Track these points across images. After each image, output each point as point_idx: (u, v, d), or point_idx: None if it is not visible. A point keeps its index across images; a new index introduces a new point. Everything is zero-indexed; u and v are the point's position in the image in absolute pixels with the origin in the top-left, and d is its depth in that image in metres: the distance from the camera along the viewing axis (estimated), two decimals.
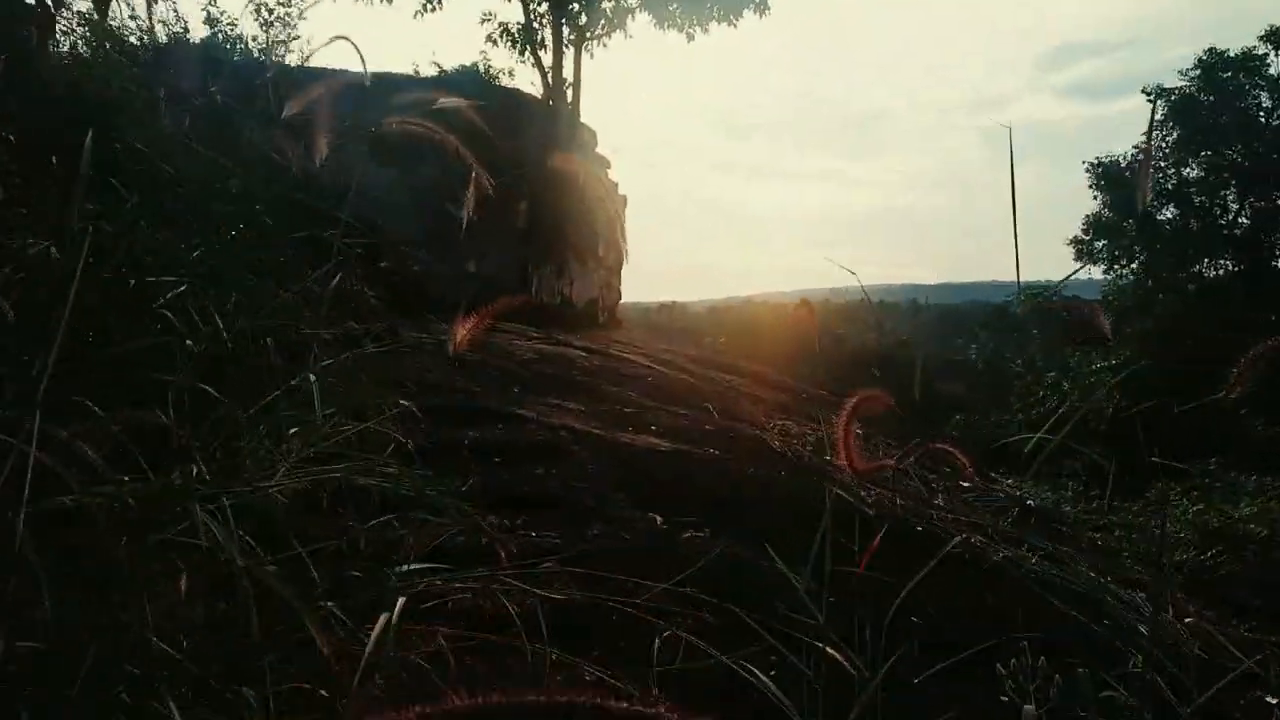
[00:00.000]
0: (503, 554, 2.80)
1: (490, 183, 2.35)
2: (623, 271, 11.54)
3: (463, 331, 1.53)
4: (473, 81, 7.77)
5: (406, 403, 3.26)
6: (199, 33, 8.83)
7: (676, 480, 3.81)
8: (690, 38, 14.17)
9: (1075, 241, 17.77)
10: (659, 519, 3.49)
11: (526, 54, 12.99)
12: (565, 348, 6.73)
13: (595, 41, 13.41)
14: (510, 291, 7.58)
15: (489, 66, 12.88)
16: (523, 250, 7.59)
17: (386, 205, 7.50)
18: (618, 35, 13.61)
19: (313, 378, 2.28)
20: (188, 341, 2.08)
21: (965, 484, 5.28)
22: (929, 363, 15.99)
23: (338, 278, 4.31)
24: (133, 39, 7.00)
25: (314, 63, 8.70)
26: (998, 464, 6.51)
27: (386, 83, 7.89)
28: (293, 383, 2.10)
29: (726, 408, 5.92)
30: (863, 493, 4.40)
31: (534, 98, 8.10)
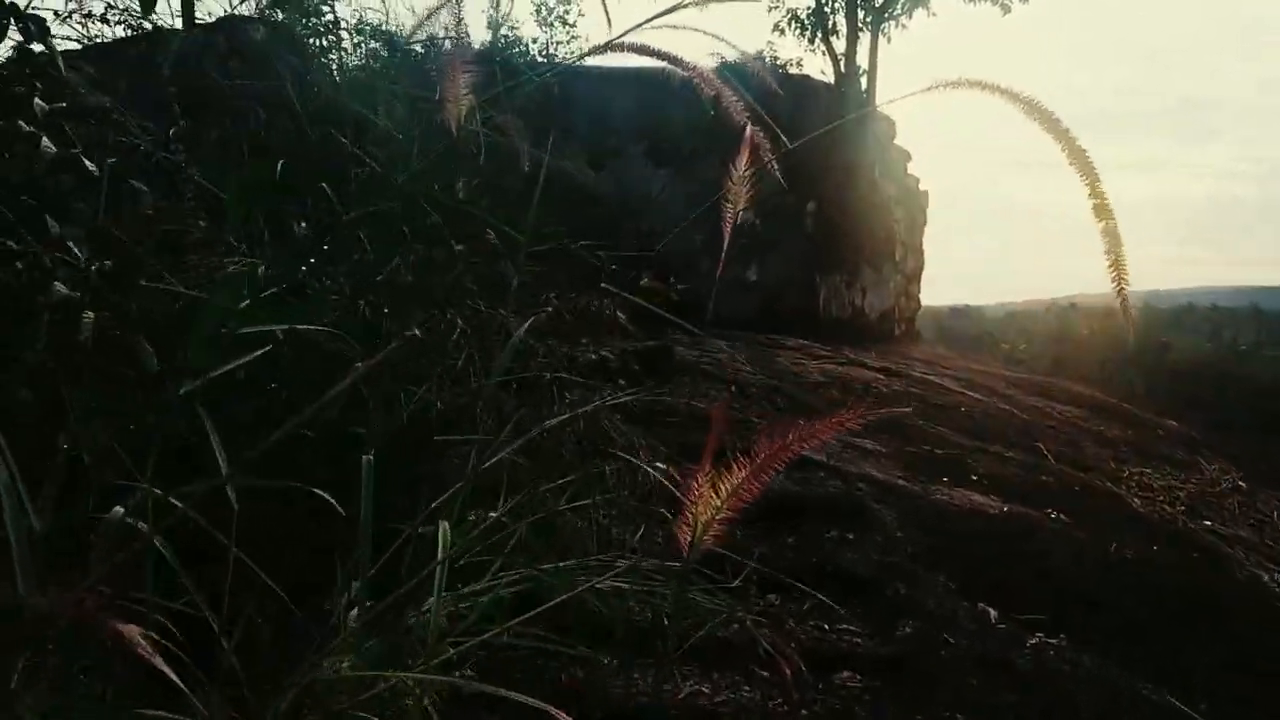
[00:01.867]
0: (784, 664, 2.19)
1: (779, 179, 1.78)
2: (922, 278, 10.55)
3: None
4: (758, 72, 7.27)
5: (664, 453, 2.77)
6: (482, 37, 9.07)
7: (1010, 557, 3.03)
8: (1006, 9, 12.85)
9: None
10: (992, 613, 2.74)
11: (817, 40, 12.36)
12: (858, 369, 6.02)
13: (894, 23, 12.50)
14: (795, 304, 6.98)
15: (774, 56, 12.39)
16: (810, 257, 6.96)
17: (662, 209, 7.17)
18: (919, 13, 12.62)
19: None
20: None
21: None
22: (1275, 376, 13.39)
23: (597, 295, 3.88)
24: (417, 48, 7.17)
25: (590, 61, 8.62)
26: None
27: (661, 78, 7.57)
28: (511, 447, 1.63)
29: (1063, 449, 4.95)
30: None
31: (824, 85, 7.46)
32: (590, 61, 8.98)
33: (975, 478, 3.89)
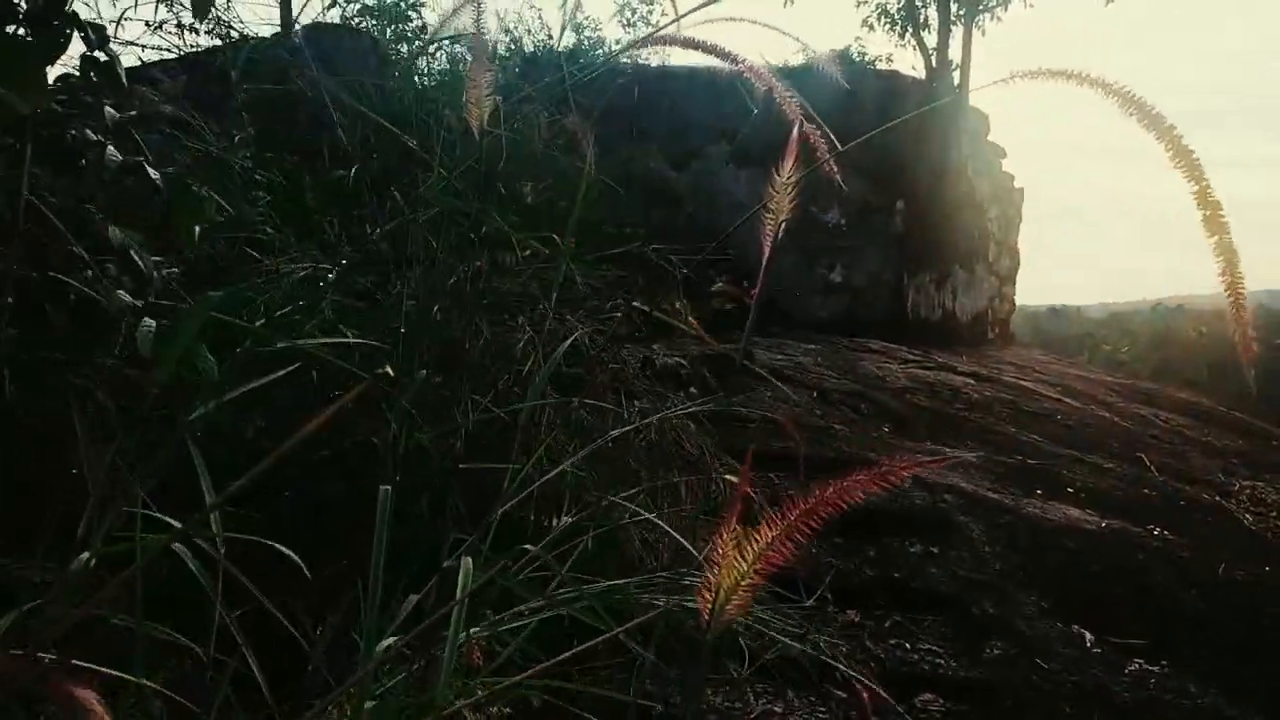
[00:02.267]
0: (861, 690, 2.10)
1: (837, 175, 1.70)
2: (1017, 279, 10.20)
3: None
4: (845, 71, 7.13)
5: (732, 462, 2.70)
6: (565, 39, 9.10)
7: (1108, 575, 2.88)
8: None
9: None
10: (1087, 635, 2.61)
11: (907, 35, 12.09)
12: (948, 373, 5.83)
13: (988, 15, 12.14)
14: (881, 306, 6.81)
15: (863, 53, 12.17)
16: (897, 257, 6.78)
17: (743, 209, 7.08)
18: (1015, 4, 12.22)
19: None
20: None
21: None
22: None
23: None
24: (502, 49, 7.23)
25: (674, 61, 8.58)
26: None
27: (742, 77, 7.48)
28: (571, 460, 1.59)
29: (1167, 460, 4.70)
30: None
31: (913, 80, 7.26)
32: (673, 61, 8.94)
33: (1071, 490, 3.72)
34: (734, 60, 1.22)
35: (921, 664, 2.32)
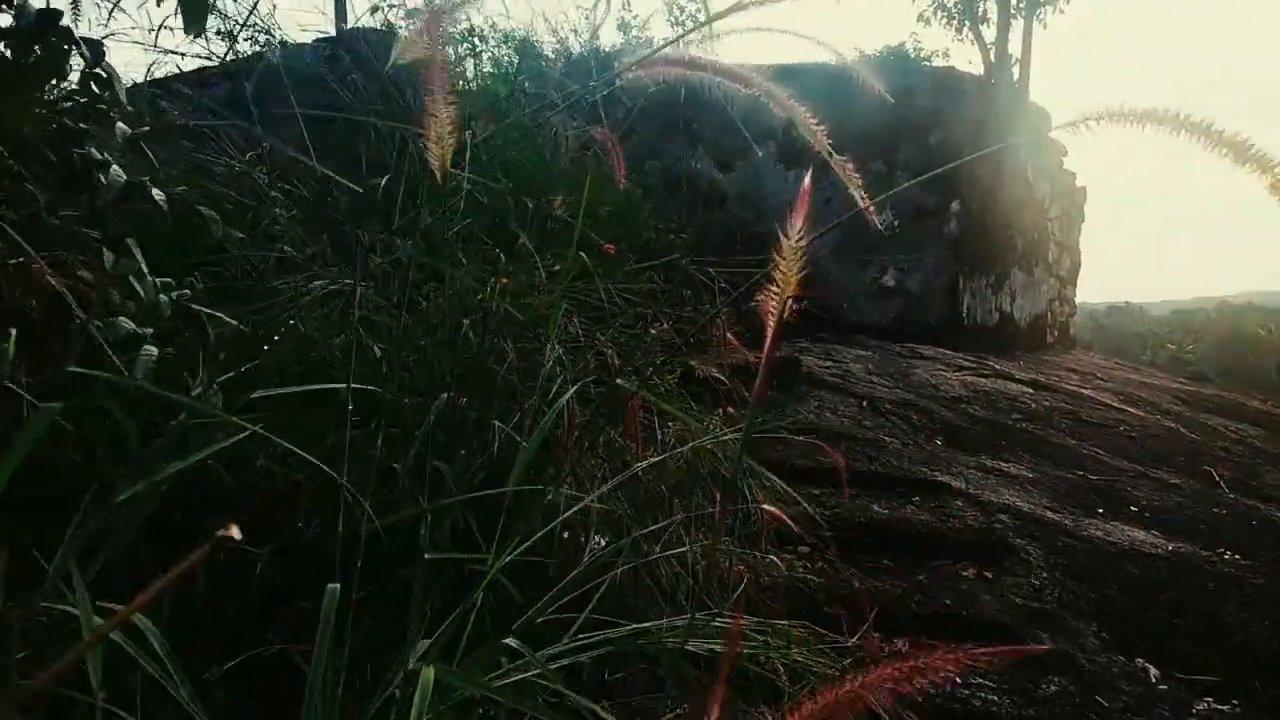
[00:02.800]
0: None
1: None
2: (1078, 280, 9.91)
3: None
4: (893, 63, 6.95)
5: (778, 484, 2.61)
6: (612, 38, 9.01)
7: (1175, 606, 2.73)
8: None
9: None
10: (1152, 671, 2.48)
11: (965, 30, 11.83)
12: (1004, 381, 5.66)
13: (1050, 7, 11.83)
14: (935, 310, 6.64)
15: (919, 48, 11.93)
16: (952, 259, 6.60)
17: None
18: None
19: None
20: None
21: None
22: None
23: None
24: (548, 50, 7.19)
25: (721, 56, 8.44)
26: None
27: (792, 74, 7.32)
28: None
29: (1237, 475, 4.50)
30: None
31: (970, 76, 7.06)
32: (725, 60, 8.84)
33: (1134, 509, 3.56)
34: (738, 79, 1.13)
35: (973, 700, 2.21)
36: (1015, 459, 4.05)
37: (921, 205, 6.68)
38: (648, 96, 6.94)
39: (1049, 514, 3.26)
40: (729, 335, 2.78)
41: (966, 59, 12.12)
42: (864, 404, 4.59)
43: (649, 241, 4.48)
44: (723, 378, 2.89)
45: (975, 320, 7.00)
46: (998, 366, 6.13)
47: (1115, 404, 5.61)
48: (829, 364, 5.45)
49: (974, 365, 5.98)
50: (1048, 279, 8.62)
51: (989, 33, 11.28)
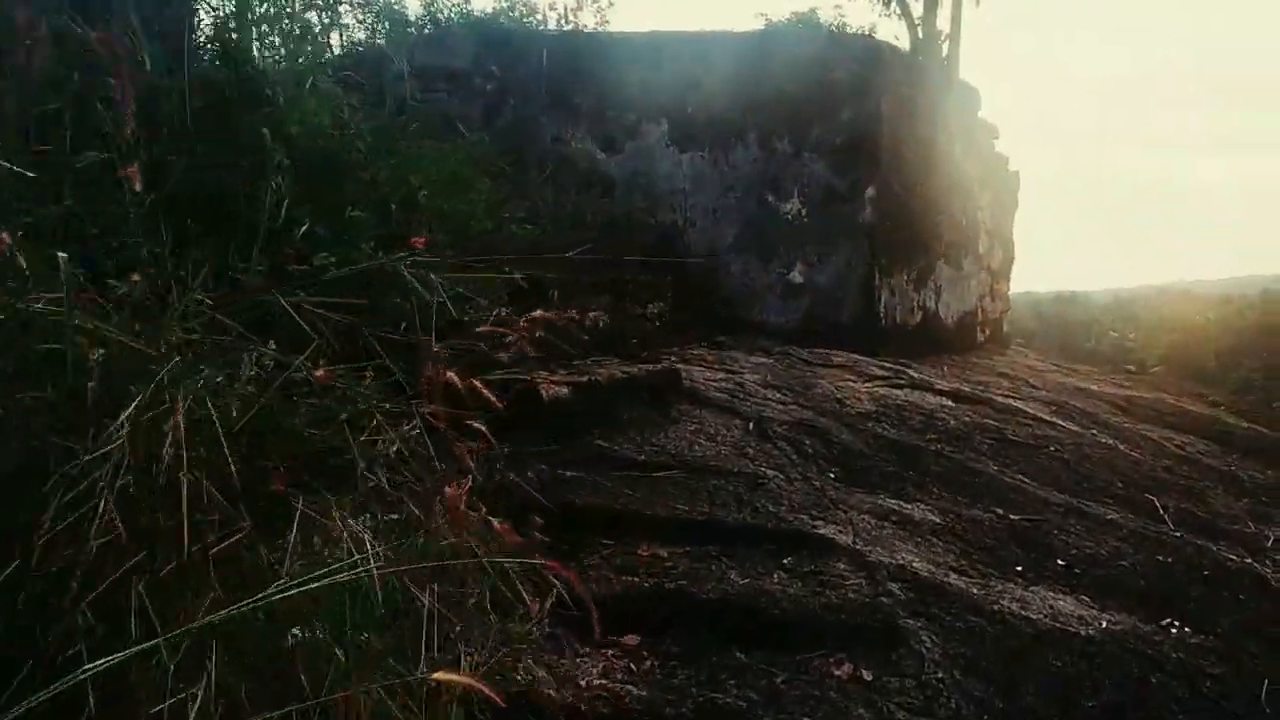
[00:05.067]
0: None
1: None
2: (1012, 273, 9.48)
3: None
4: (806, 34, 6.38)
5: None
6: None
7: (1111, 712, 2.15)
8: None
9: None
10: None
11: (891, 4, 11.36)
12: (922, 393, 5.10)
13: None
14: (849, 309, 6.07)
15: (842, 22, 11.41)
16: (868, 251, 6.04)
17: (690, 198, 6.32)
18: None
19: None
20: None
21: None
22: None
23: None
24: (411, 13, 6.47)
25: (616, 26, 7.81)
26: None
27: (691, 43, 6.69)
28: None
29: (1184, 504, 3.99)
30: None
31: (890, 46, 6.51)
32: (608, 28, 8.17)
33: (1062, 562, 2.99)
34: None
35: None
36: (923, 496, 3.47)
37: (833, 190, 6.10)
38: (522, 65, 6.27)
39: (953, 578, 2.66)
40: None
41: (893, 35, 11.67)
42: (750, 427, 3.98)
43: (485, 232, 3.82)
44: (566, 392, 2.21)
45: (894, 320, 6.46)
46: (916, 374, 5.58)
47: (1047, 417, 5.09)
48: (720, 375, 4.84)
49: (889, 373, 5.42)
50: (978, 272, 8.14)
51: (917, 7, 10.81)
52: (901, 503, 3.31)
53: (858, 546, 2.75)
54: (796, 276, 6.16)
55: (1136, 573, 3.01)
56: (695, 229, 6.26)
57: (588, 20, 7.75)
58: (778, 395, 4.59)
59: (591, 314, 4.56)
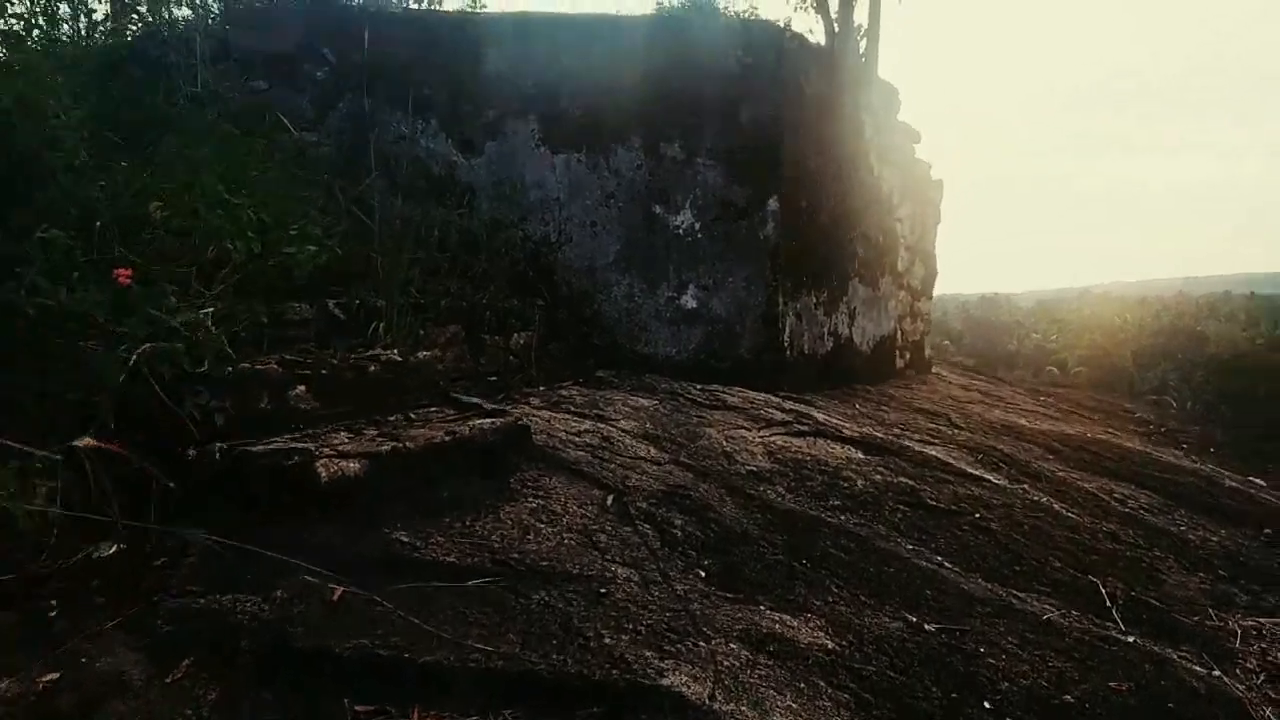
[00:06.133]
0: None
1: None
2: (934, 290, 8.95)
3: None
4: (701, 21, 5.70)
5: None
6: None
7: None
8: None
9: None
10: None
11: None
12: (827, 442, 4.44)
13: None
14: (749, 339, 5.39)
15: (753, 10, 10.81)
16: (771, 272, 5.37)
17: (564, 208, 5.57)
18: None
19: None
20: None
21: None
22: None
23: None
24: None
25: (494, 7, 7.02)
26: None
27: (567, 28, 5.92)
28: None
29: (1134, 588, 3.38)
30: None
31: (796, 36, 5.85)
32: (477, 8, 7.39)
33: (989, 705, 2.31)
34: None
35: None
36: (816, 598, 2.77)
37: (731, 201, 5.41)
38: (362, 49, 5.46)
39: None
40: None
41: (808, 29, 11.05)
42: (610, 501, 3.24)
43: (253, 256, 3.00)
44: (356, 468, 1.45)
45: (801, 350, 5.79)
46: (823, 417, 4.90)
47: (971, 469, 4.46)
48: (587, 425, 4.10)
49: (791, 417, 4.74)
50: (896, 292, 7.55)
51: (834, 2, 10.23)
52: (786, 617, 2.59)
53: (715, 706, 2.03)
54: (689, 301, 5.45)
55: (1085, 713, 2.35)
56: (571, 244, 5.51)
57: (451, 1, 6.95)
58: (653, 452, 3.87)
59: (423, 353, 3.78)
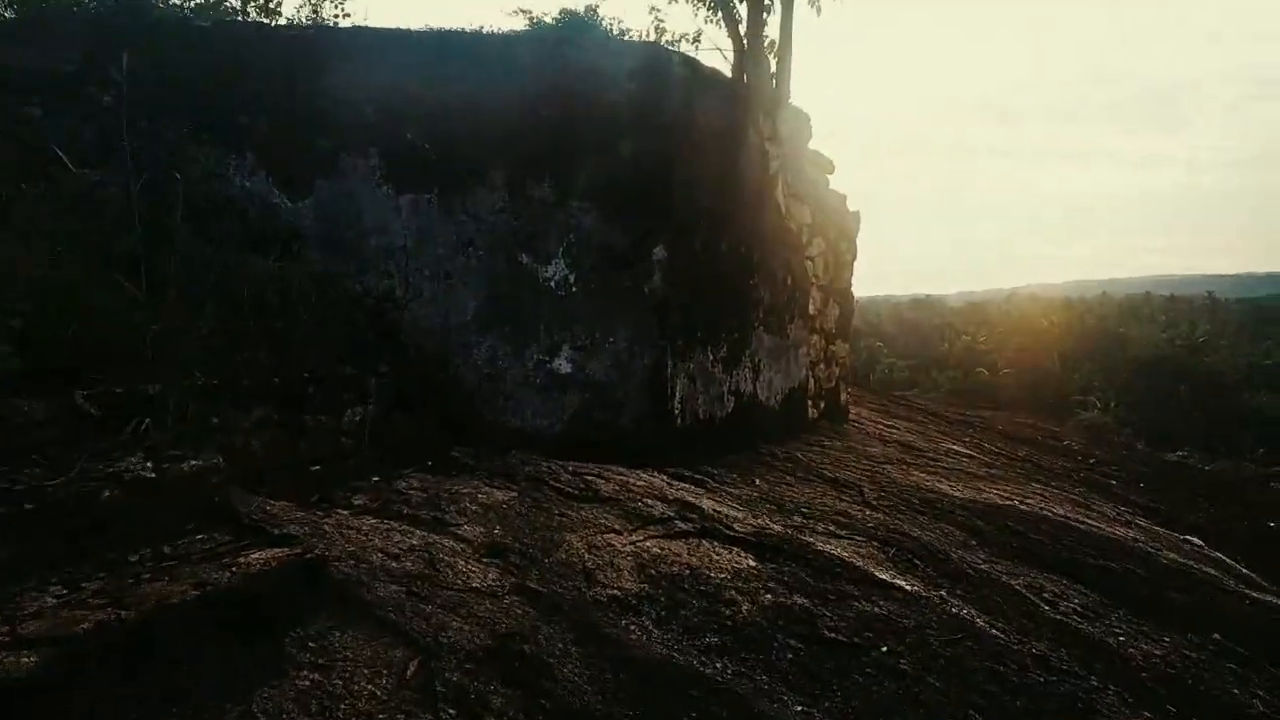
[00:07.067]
0: None
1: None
2: (850, 330, 8.42)
3: None
4: (571, 36, 5.06)
5: None
6: None
7: None
8: None
9: None
10: None
11: (717, 11, 10.19)
12: (713, 543, 3.81)
13: None
14: (633, 406, 4.75)
15: (660, 29, 10.19)
16: (657, 329, 4.74)
17: (411, 259, 4.86)
18: None
19: None
20: None
21: None
22: (1233, 370, 15.30)
23: None
24: None
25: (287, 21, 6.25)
26: None
27: (413, 46, 5.01)
28: None
29: None
30: None
31: (693, 62, 5.25)
32: (289, 23, 6.64)
33: None
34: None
35: None
36: None
37: (611, 249, 4.77)
38: (159, 69, 4.69)
39: None
40: None
41: (716, 45, 10.49)
42: (412, 668, 2.56)
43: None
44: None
45: (696, 414, 5.17)
46: (712, 506, 4.27)
47: (881, 574, 3.86)
48: (415, 540, 3.41)
49: (673, 510, 4.10)
50: (808, 337, 6.98)
51: (742, 10, 9.66)
52: None
53: None
54: (562, 365, 4.79)
55: None
56: (420, 300, 4.81)
57: (289, 11, 6.18)
58: (491, 577, 3.19)
59: (193, 461, 3.05)
